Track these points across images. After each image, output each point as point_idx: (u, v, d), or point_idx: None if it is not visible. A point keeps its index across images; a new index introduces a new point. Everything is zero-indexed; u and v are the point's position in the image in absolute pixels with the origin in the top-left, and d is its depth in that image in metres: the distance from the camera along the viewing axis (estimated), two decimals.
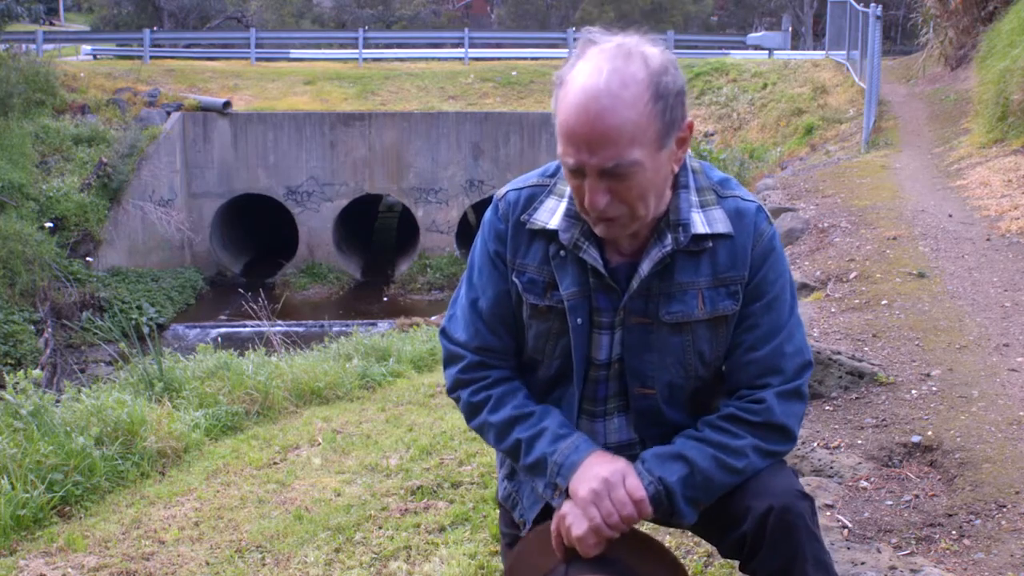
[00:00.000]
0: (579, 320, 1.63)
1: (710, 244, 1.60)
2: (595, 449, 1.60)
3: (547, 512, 1.70)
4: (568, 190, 1.62)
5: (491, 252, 1.70)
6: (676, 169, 1.58)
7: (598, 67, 1.46)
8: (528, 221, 1.66)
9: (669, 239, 1.58)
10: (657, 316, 1.62)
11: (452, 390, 1.78)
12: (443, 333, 1.78)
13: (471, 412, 1.74)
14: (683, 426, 1.68)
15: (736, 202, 1.63)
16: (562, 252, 1.63)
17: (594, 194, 1.49)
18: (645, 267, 1.59)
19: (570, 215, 1.62)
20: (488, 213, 1.73)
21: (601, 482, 1.53)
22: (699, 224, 1.59)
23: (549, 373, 1.72)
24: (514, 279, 1.68)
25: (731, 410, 1.62)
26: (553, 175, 1.69)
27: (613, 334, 1.65)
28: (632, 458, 1.67)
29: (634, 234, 1.60)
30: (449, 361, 1.77)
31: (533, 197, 1.68)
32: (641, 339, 1.64)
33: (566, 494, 1.58)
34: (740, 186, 1.69)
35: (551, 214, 1.64)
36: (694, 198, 1.61)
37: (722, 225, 1.60)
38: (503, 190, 1.74)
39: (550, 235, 1.64)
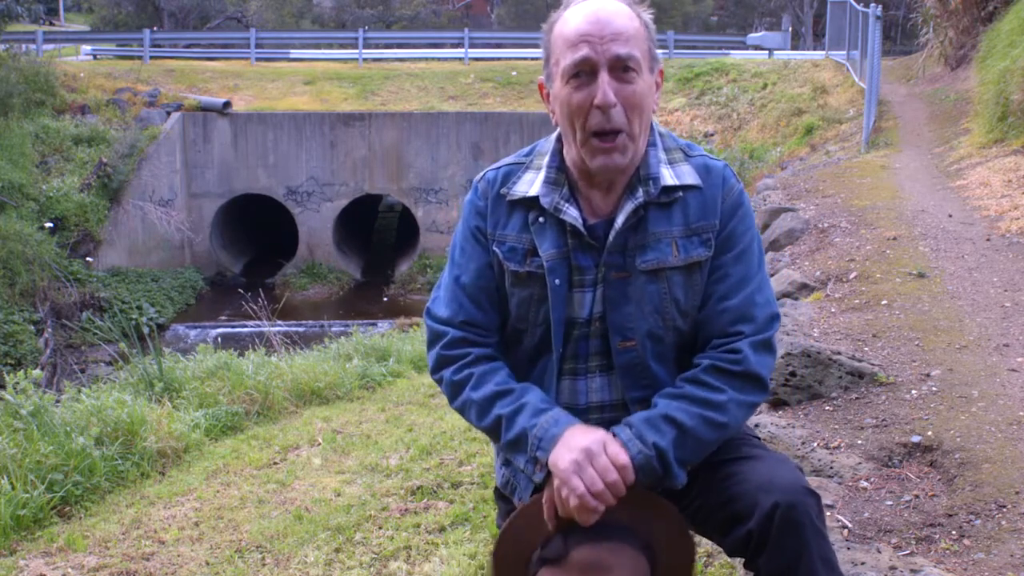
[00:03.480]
0: (557, 281, 1.70)
1: (680, 195, 1.71)
2: (575, 422, 1.62)
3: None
4: (545, 161, 1.75)
5: (472, 228, 1.79)
6: (655, 109, 1.71)
7: (593, 0, 1.66)
8: (508, 193, 1.76)
9: (640, 192, 1.69)
10: (634, 267, 1.69)
11: (435, 370, 1.80)
12: (427, 313, 1.83)
13: (454, 391, 1.76)
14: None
15: (704, 159, 1.76)
16: (541, 218, 1.72)
17: (606, 88, 1.60)
18: (620, 219, 1.68)
19: (549, 182, 1.73)
20: (468, 195, 1.84)
21: (582, 452, 1.53)
22: (668, 177, 1.71)
23: (533, 342, 1.76)
24: (495, 248, 1.76)
25: (708, 361, 1.67)
26: (528, 155, 1.81)
27: (595, 291, 1.71)
28: (614, 420, 1.71)
29: (609, 189, 1.71)
30: (433, 340, 1.80)
31: (511, 174, 1.79)
32: (620, 292, 1.70)
33: (547, 468, 1.59)
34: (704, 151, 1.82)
35: (530, 184, 1.75)
36: (662, 155, 1.74)
37: (691, 177, 1.72)
38: (481, 173, 1.84)
39: (529, 204, 1.74)
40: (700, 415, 1.61)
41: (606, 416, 1.73)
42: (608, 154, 1.64)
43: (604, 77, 1.61)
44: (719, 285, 1.70)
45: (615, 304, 1.70)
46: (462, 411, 1.76)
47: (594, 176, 1.69)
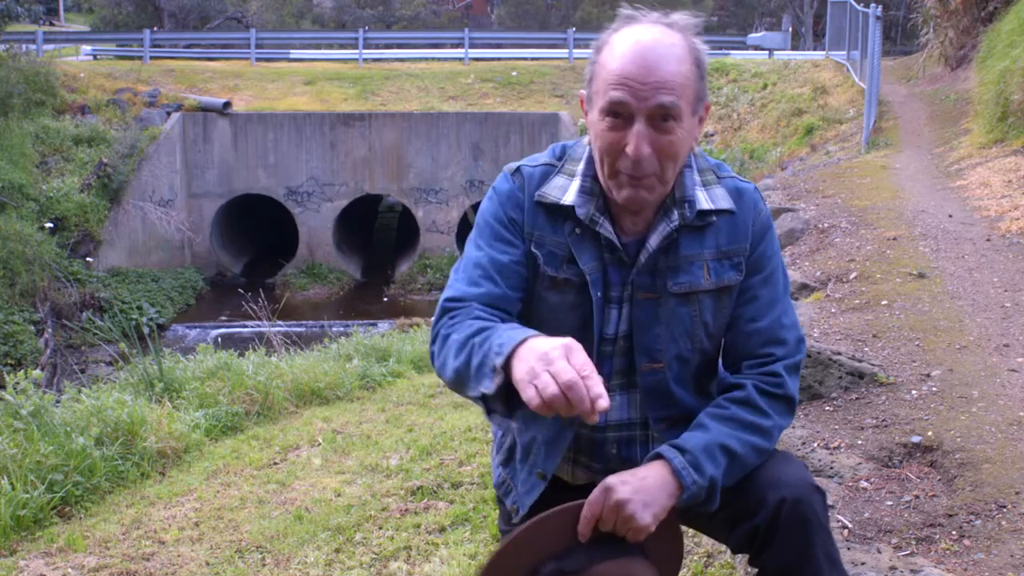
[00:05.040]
0: (599, 294, 1.67)
1: (714, 219, 1.67)
2: (539, 334, 1.42)
3: (541, 505, 1.68)
4: (579, 169, 1.68)
5: (508, 217, 1.70)
6: (694, 146, 1.65)
7: (647, 29, 1.56)
8: (541, 196, 1.69)
9: (676, 215, 1.65)
10: (665, 289, 1.66)
11: (433, 339, 1.63)
12: (448, 298, 1.66)
13: (440, 344, 1.59)
14: (690, 407, 1.69)
15: (735, 182, 1.73)
16: (578, 229, 1.67)
17: (640, 140, 1.53)
18: (653, 241, 1.65)
19: (584, 191, 1.67)
20: (501, 183, 1.73)
21: (539, 358, 1.34)
22: (703, 200, 1.67)
23: None
24: (533, 249, 1.69)
25: (752, 382, 1.66)
26: (560, 158, 1.74)
27: (621, 309, 1.68)
28: (632, 439, 1.71)
29: (640, 212, 1.66)
30: (441, 314, 1.64)
31: (546, 175, 1.72)
32: (650, 313, 1.67)
33: (503, 374, 1.39)
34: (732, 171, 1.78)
35: (563, 191, 1.68)
36: (697, 177, 1.69)
37: (725, 202, 1.68)
38: (515, 164, 1.75)
39: (565, 212, 1.68)
40: (751, 443, 1.61)
41: (624, 435, 1.73)
42: (635, 188, 1.59)
43: (639, 128, 1.52)
44: (747, 307, 1.70)
45: (644, 325, 1.67)
46: (443, 366, 1.57)
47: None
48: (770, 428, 1.64)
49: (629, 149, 1.54)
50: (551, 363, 1.32)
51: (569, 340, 1.37)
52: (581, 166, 1.69)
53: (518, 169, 1.73)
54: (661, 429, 1.71)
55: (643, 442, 1.73)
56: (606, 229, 1.65)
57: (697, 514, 1.69)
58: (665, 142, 1.54)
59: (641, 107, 1.52)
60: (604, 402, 1.31)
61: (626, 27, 1.58)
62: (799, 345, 1.71)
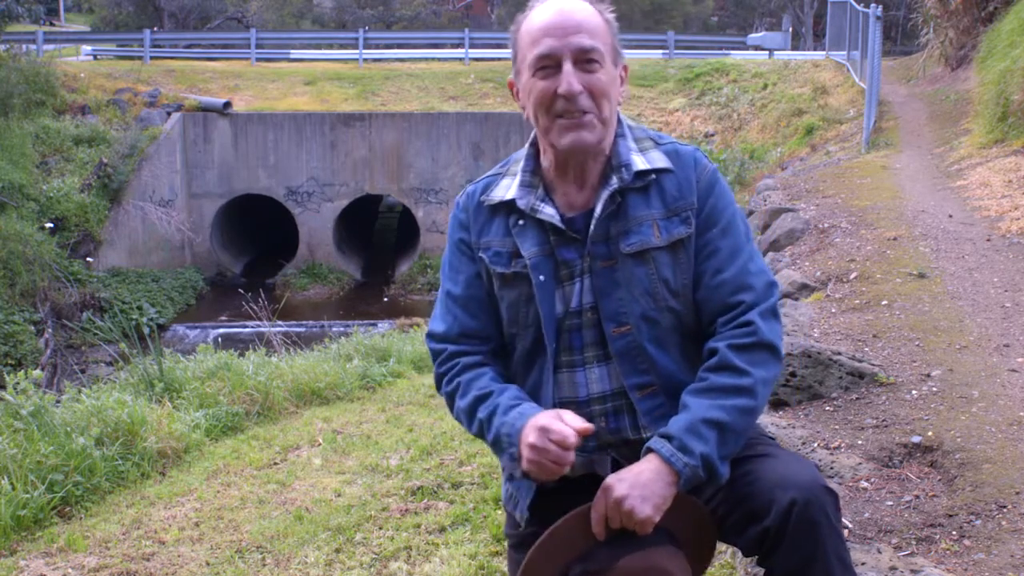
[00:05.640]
0: (542, 277, 1.74)
1: (653, 178, 1.75)
2: (535, 412, 1.65)
3: (542, 503, 1.74)
4: (520, 167, 1.81)
5: (456, 242, 1.86)
6: (620, 102, 1.77)
7: None
8: (487, 199, 1.82)
9: (614, 179, 1.74)
10: (619, 252, 1.72)
11: (437, 387, 1.88)
12: (427, 336, 1.89)
13: (449, 403, 1.84)
14: (671, 373, 1.72)
15: (674, 145, 1.81)
16: (521, 221, 1.77)
17: (570, 78, 1.66)
18: (598, 208, 1.73)
19: (524, 184, 1.79)
20: (452, 212, 1.91)
21: (531, 448, 1.59)
22: (640, 163, 1.75)
23: (526, 345, 1.79)
24: (481, 255, 1.81)
25: (723, 343, 1.68)
26: (505, 165, 1.88)
27: (582, 281, 1.74)
28: (618, 410, 1.74)
29: (583, 182, 1.76)
30: (433, 360, 1.88)
31: (489, 184, 1.86)
32: (608, 280, 1.73)
33: (520, 460, 1.64)
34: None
35: (506, 189, 1.81)
36: (632, 144, 1.79)
37: (662, 161, 1.76)
38: (463, 190, 1.92)
39: (508, 208, 1.79)
40: (735, 406, 1.62)
41: (609, 406, 1.75)
42: (576, 130, 1.68)
43: (568, 68, 1.66)
44: (710, 261, 1.73)
45: (605, 292, 1.72)
46: (459, 421, 1.84)
47: (567, 163, 1.74)
48: (751, 386, 1.64)
49: (562, 88, 1.66)
50: (547, 451, 1.58)
51: (544, 422, 1.60)
52: (522, 164, 1.82)
53: (463, 191, 1.90)
54: (638, 397, 1.72)
55: (629, 411, 1.75)
56: (546, 213, 1.74)
57: (712, 511, 1.69)
58: (593, 80, 1.67)
59: (566, 50, 1.66)
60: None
61: (538, 3, 1.74)
62: (770, 288, 1.73)
